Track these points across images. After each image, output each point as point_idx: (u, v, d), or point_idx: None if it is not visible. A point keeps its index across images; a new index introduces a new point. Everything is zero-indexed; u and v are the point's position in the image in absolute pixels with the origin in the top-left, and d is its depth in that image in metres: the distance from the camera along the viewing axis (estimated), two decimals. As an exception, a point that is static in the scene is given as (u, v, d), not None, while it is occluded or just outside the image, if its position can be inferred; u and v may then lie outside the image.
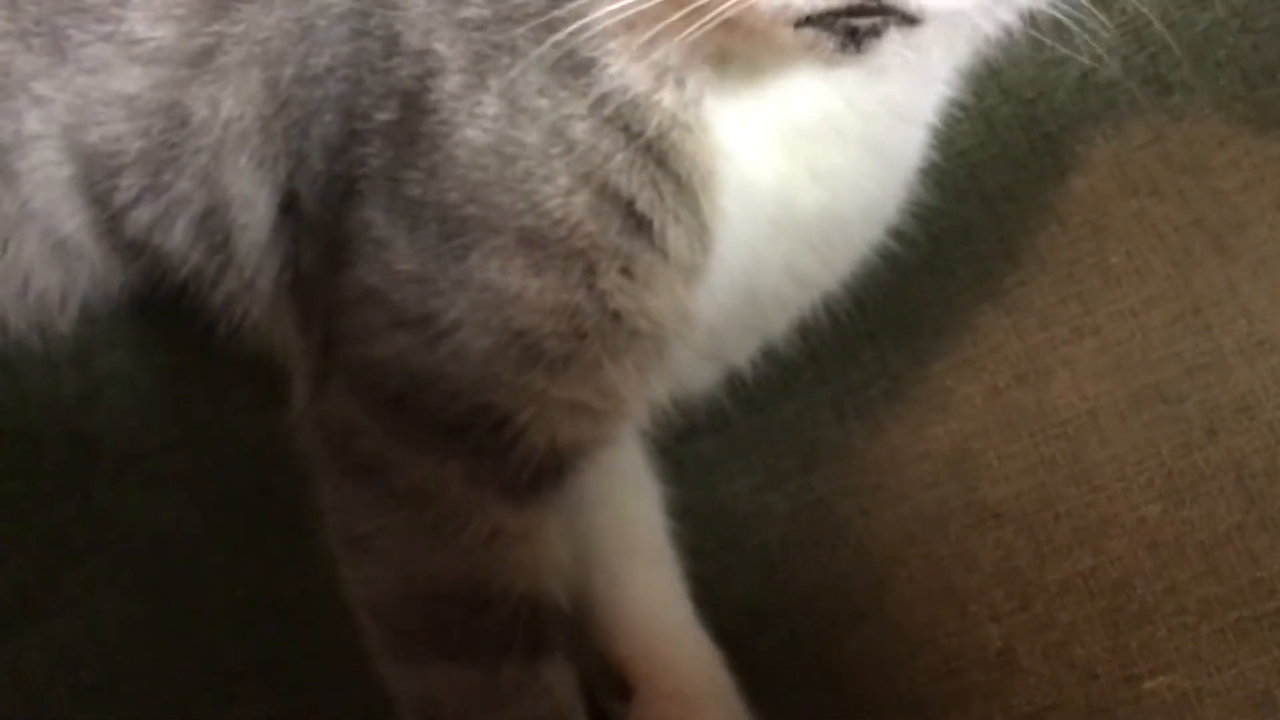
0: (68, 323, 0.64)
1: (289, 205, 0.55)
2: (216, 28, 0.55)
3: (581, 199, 0.50)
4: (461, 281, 0.50)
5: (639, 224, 0.50)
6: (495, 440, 0.51)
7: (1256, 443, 0.62)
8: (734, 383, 0.62)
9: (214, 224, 0.57)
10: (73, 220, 0.59)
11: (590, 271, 0.50)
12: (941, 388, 0.66)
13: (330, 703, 0.60)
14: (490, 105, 0.50)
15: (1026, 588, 0.61)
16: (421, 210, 0.51)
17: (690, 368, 0.56)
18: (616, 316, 0.50)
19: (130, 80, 0.56)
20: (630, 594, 0.56)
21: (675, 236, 0.50)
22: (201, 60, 0.55)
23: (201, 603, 0.64)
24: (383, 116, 0.51)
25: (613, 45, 0.49)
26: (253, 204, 0.56)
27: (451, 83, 0.50)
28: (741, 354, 0.60)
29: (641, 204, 0.50)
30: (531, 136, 0.49)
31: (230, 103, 0.55)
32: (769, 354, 0.62)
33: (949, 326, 0.67)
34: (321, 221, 0.54)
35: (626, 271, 0.50)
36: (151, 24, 0.55)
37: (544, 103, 0.50)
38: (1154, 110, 0.68)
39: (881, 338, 0.66)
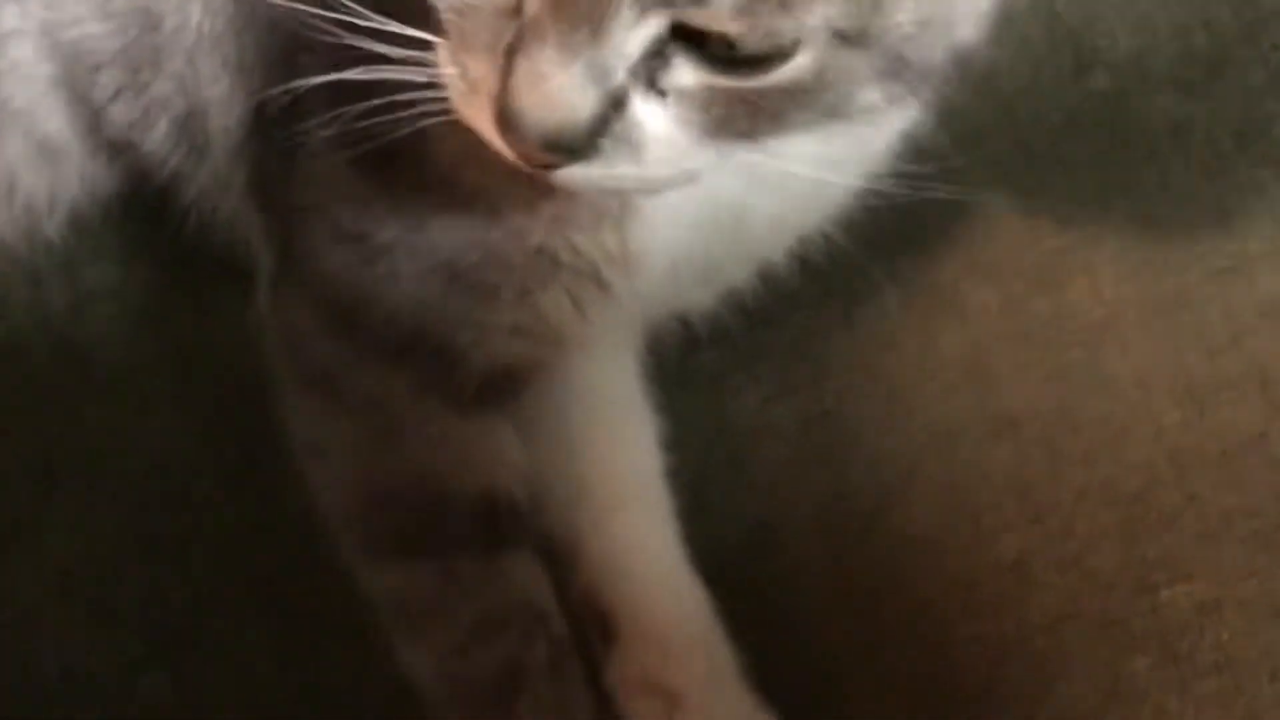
0: (55, 229, 0.63)
1: (262, 110, 0.55)
2: None
3: None
4: (393, 206, 0.51)
5: None
6: (436, 358, 0.52)
7: (1280, 349, 0.60)
8: (736, 299, 0.60)
9: (193, 127, 0.57)
10: (55, 119, 0.59)
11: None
12: (955, 295, 0.64)
13: (328, 620, 0.59)
14: None
15: (1042, 499, 0.60)
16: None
17: (671, 293, 0.56)
18: (539, 251, 0.51)
19: None
20: (616, 539, 0.56)
21: None
22: None
23: (197, 524, 0.62)
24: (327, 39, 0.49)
25: None
26: (229, 108, 0.56)
27: None
28: (724, 283, 0.58)
29: None
30: None
31: (198, 10, 0.55)
32: (768, 274, 0.59)
33: (962, 231, 0.65)
34: (278, 127, 0.54)
35: (553, 215, 0.50)
36: None
37: None
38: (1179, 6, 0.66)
39: (892, 245, 0.64)
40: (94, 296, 0.66)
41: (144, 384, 0.64)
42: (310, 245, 0.54)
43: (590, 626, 0.55)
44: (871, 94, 0.44)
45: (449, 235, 0.51)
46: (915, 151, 0.55)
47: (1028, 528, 0.60)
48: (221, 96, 0.56)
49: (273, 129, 0.54)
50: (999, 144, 0.66)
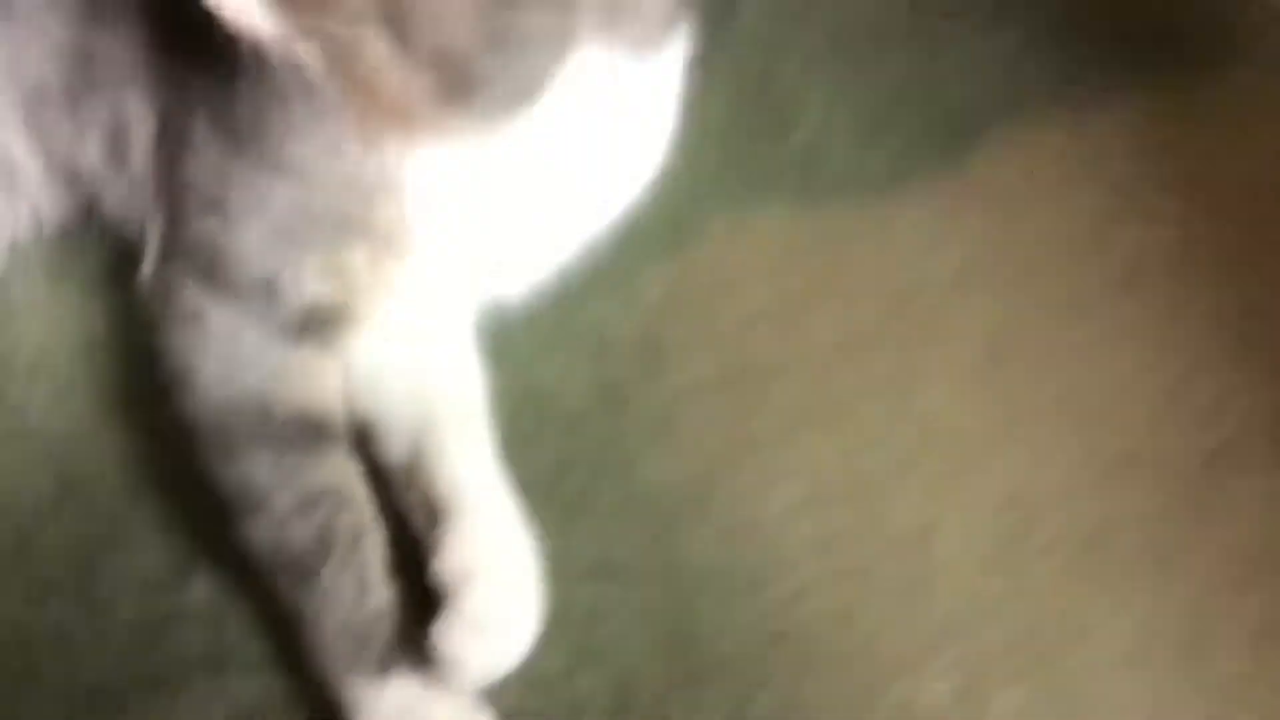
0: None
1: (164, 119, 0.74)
2: None
3: None
4: (241, 179, 0.70)
5: None
6: (270, 297, 0.70)
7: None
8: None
9: (120, 142, 0.74)
10: (18, 145, 0.75)
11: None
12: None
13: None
14: None
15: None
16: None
17: (471, 268, 0.73)
18: (341, 212, 0.69)
19: (53, 27, 0.73)
20: (452, 457, 0.72)
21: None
22: (94, 9, 0.73)
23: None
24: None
25: None
26: (145, 122, 0.74)
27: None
28: (527, 269, 0.73)
29: None
30: None
31: (120, 46, 0.72)
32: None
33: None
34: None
35: (345, 182, 0.69)
36: None
37: None
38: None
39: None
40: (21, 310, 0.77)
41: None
42: (186, 217, 0.72)
43: (426, 516, 0.70)
44: None
45: (278, 198, 0.69)
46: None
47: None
48: (140, 113, 0.73)
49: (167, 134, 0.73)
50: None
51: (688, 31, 0.70)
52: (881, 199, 0.77)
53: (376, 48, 0.61)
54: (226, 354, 0.71)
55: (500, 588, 0.67)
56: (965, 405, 0.74)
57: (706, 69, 0.72)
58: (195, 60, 0.70)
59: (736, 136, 0.79)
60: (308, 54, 0.62)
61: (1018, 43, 0.81)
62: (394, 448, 0.72)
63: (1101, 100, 0.79)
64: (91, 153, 0.74)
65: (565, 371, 0.76)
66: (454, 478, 0.70)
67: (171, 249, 0.73)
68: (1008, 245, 0.76)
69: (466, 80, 0.62)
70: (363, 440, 0.72)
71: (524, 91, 0.64)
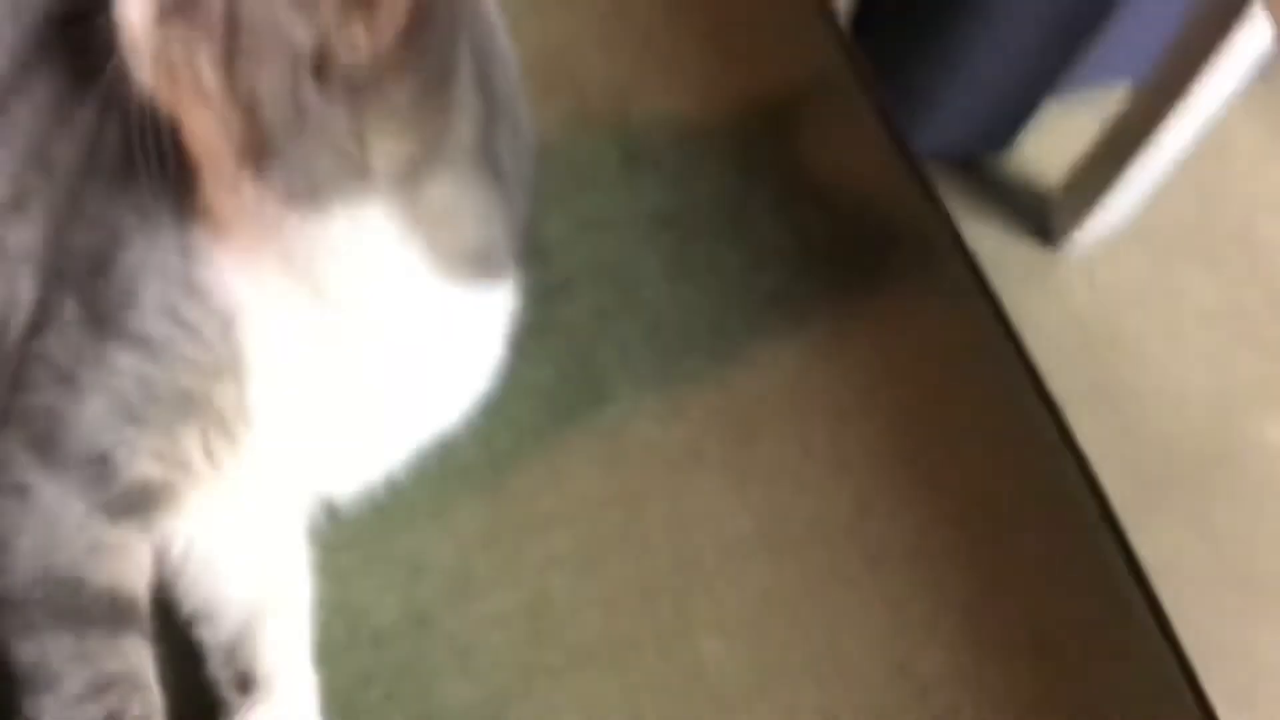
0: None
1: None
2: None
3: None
4: (93, 352, 0.73)
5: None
6: (100, 471, 0.72)
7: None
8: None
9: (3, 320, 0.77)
10: None
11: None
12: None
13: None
14: None
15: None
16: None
17: (304, 461, 0.77)
18: (181, 392, 0.73)
19: None
20: (276, 645, 0.77)
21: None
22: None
23: None
24: None
25: None
26: (27, 304, 0.76)
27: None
28: (351, 472, 0.80)
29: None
30: None
31: (26, 226, 0.76)
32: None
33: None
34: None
35: (191, 359, 0.73)
36: None
37: None
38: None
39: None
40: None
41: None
42: (32, 387, 0.73)
43: (231, 680, 0.76)
44: None
45: (124, 370, 0.72)
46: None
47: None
48: (21, 299, 0.76)
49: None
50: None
51: (516, 288, 0.79)
52: (679, 469, 0.88)
53: (207, 71, 0.66)
54: (46, 528, 0.71)
55: None
56: (733, 656, 0.83)
57: (535, 338, 0.83)
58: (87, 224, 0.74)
59: (557, 399, 0.88)
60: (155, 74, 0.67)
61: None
62: (221, 628, 0.76)
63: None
64: None
65: (378, 590, 0.81)
66: (274, 663, 0.75)
67: (8, 419, 0.73)
68: (786, 515, 0.87)
69: (264, 140, 0.66)
70: (169, 619, 0.76)
71: (310, 192, 0.67)
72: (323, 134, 0.66)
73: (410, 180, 0.69)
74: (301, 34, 0.65)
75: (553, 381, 0.89)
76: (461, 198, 0.72)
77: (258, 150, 0.67)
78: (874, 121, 1.01)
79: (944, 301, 0.96)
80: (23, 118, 0.77)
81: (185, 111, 0.69)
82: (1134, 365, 1.60)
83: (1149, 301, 1.65)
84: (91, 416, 0.72)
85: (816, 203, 0.97)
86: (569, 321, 0.91)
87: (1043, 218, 1.66)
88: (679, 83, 0.99)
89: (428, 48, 0.66)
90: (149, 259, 0.73)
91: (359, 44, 0.65)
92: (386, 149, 0.67)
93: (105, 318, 0.72)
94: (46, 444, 0.72)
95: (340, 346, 0.74)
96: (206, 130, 0.69)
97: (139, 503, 0.73)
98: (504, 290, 0.78)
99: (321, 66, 0.65)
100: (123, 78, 0.69)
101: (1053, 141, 1.65)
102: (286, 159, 0.67)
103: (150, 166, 0.70)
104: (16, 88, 0.77)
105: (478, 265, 0.75)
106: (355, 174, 0.67)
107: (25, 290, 0.75)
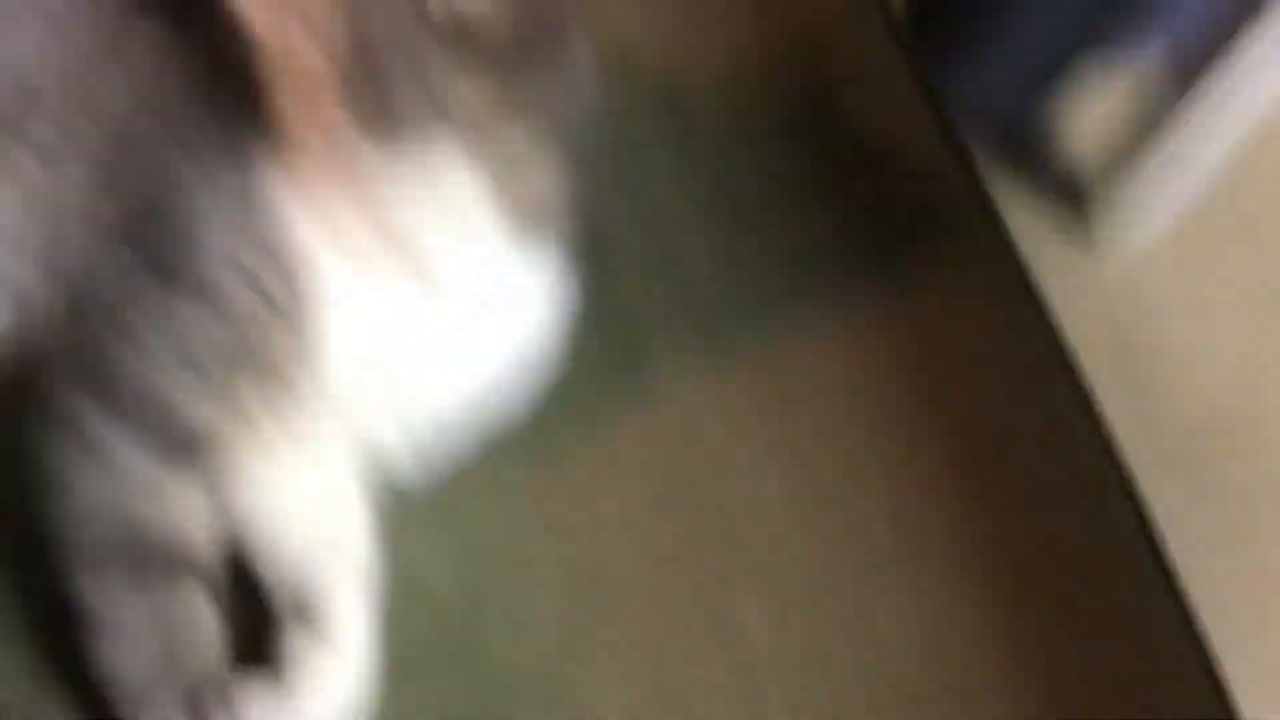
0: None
1: None
2: None
3: None
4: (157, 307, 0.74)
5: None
6: (159, 416, 0.73)
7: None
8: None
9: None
10: None
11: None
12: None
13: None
14: None
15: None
16: None
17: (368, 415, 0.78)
18: (241, 342, 0.73)
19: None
20: (340, 591, 0.78)
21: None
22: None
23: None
24: None
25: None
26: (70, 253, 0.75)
27: None
28: (437, 421, 0.80)
29: None
30: None
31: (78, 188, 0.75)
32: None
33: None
34: None
35: (251, 308, 0.73)
36: None
37: None
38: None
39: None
40: None
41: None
42: (90, 336, 0.73)
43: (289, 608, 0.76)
44: None
45: (185, 319, 0.73)
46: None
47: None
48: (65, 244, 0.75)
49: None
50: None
51: (570, 257, 0.81)
52: (719, 440, 0.90)
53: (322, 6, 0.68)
54: (108, 474, 0.72)
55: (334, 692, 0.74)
56: (772, 624, 0.85)
57: (583, 312, 0.84)
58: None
59: (603, 371, 0.90)
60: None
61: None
62: (283, 568, 0.76)
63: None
64: (32, 277, 0.74)
65: (434, 560, 0.83)
66: (334, 599, 0.76)
67: (70, 364, 0.73)
68: (821, 488, 0.90)
69: (364, 69, 0.68)
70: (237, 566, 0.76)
71: (395, 122, 0.70)
72: (422, 68, 0.69)
73: (488, 123, 0.71)
74: None
75: (598, 354, 0.90)
76: (531, 150, 0.74)
77: (354, 78, 0.69)
78: (918, 97, 1.03)
79: (981, 281, 0.98)
80: (68, 54, 0.75)
81: (281, 35, 0.70)
82: (1166, 341, 1.61)
83: (1182, 276, 1.65)
84: (151, 367, 0.72)
85: (861, 181, 0.99)
86: (614, 294, 0.92)
87: (1079, 192, 1.67)
88: (724, 56, 1.01)
89: (540, 17, 0.70)
90: (210, 207, 0.73)
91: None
92: (473, 89, 0.69)
93: (163, 266, 0.73)
94: (107, 392, 0.72)
95: (404, 302, 0.75)
96: (301, 55, 0.70)
97: (198, 450, 0.74)
98: (556, 259, 0.80)
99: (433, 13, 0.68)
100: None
101: (1092, 115, 1.65)
102: (379, 88, 0.68)
103: (228, 98, 0.72)
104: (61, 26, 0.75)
105: (539, 221, 0.77)
106: (440, 109, 0.70)
107: (76, 236, 0.74)
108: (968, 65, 1.50)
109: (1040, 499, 0.92)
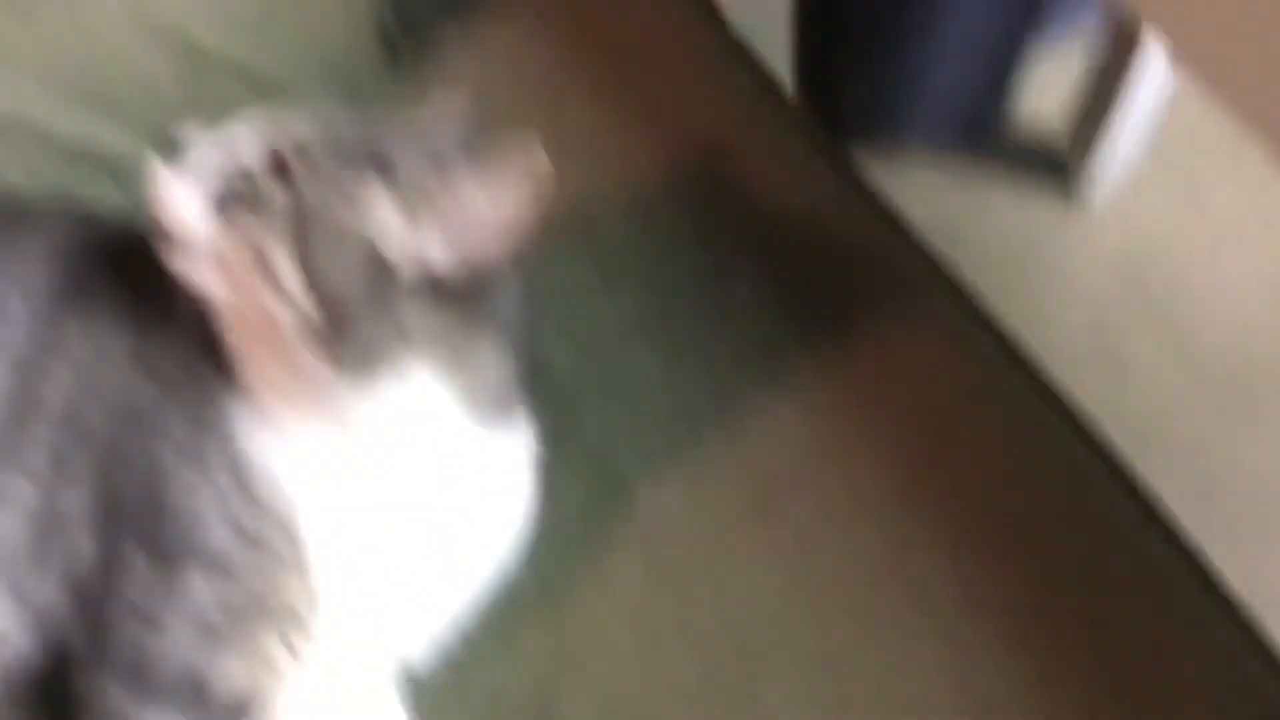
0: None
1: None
2: None
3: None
4: (163, 583, 0.77)
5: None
6: (193, 692, 0.76)
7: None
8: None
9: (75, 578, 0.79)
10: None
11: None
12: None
13: None
14: None
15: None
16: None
17: (374, 626, 0.81)
18: (254, 599, 0.77)
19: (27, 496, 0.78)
20: None
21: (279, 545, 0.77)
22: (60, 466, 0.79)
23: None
24: None
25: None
26: (86, 562, 0.79)
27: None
28: (418, 631, 0.84)
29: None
30: None
31: (76, 493, 0.79)
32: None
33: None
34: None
35: (256, 562, 0.77)
36: None
37: None
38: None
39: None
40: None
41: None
42: (111, 626, 0.76)
43: None
44: None
45: (198, 591, 0.76)
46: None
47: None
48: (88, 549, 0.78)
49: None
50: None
51: (530, 417, 0.85)
52: (711, 545, 0.92)
53: (279, 258, 0.73)
54: None
55: None
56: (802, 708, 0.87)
57: (555, 458, 0.87)
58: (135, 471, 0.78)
59: (588, 507, 0.93)
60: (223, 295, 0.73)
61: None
62: None
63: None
64: (51, 593, 0.78)
65: None
66: None
67: (97, 658, 0.77)
68: (821, 565, 0.91)
69: (333, 319, 0.73)
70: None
71: (368, 363, 0.74)
72: (388, 314, 0.75)
73: (449, 341, 0.77)
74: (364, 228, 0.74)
75: (579, 491, 0.93)
76: (486, 348, 0.80)
77: (323, 329, 0.74)
78: (817, 157, 1.05)
79: (929, 324, 0.98)
80: (55, 388, 0.80)
81: (241, 299, 0.76)
82: (1181, 291, 1.59)
83: (1182, 220, 1.64)
84: (175, 644, 0.75)
85: (790, 260, 1.01)
86: (581, 432, 0.95)
87: (1058, 171, 1.67)
88: (633, 178, 1.04)
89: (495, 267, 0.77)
90: (199, 480, 0.77)
91: (433, 255, 0.75)
92: (436, 319, 0.76)
93: (169, 550, 0.76)
94: (136, 677, 0.76)
95: (390, 511, 0.79)
96: (266, 314, 0.75)
97: (235, 712, 0.77)
98: (522, 425, 0.85)
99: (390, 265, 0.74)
100: (172, 288, 0.75)
101: (1049, 96, 1.66)
102: (349, 336, 0.74)
103: (193, 364, 0.77)
104: (43, 363, 0.80)
105: (499, 406, 0.82)
106: (410, 345, 0.76)
107: (86, 546, 0.78)
108: (903, 98, 1.52)
109: (1038, 525, 0.91)
